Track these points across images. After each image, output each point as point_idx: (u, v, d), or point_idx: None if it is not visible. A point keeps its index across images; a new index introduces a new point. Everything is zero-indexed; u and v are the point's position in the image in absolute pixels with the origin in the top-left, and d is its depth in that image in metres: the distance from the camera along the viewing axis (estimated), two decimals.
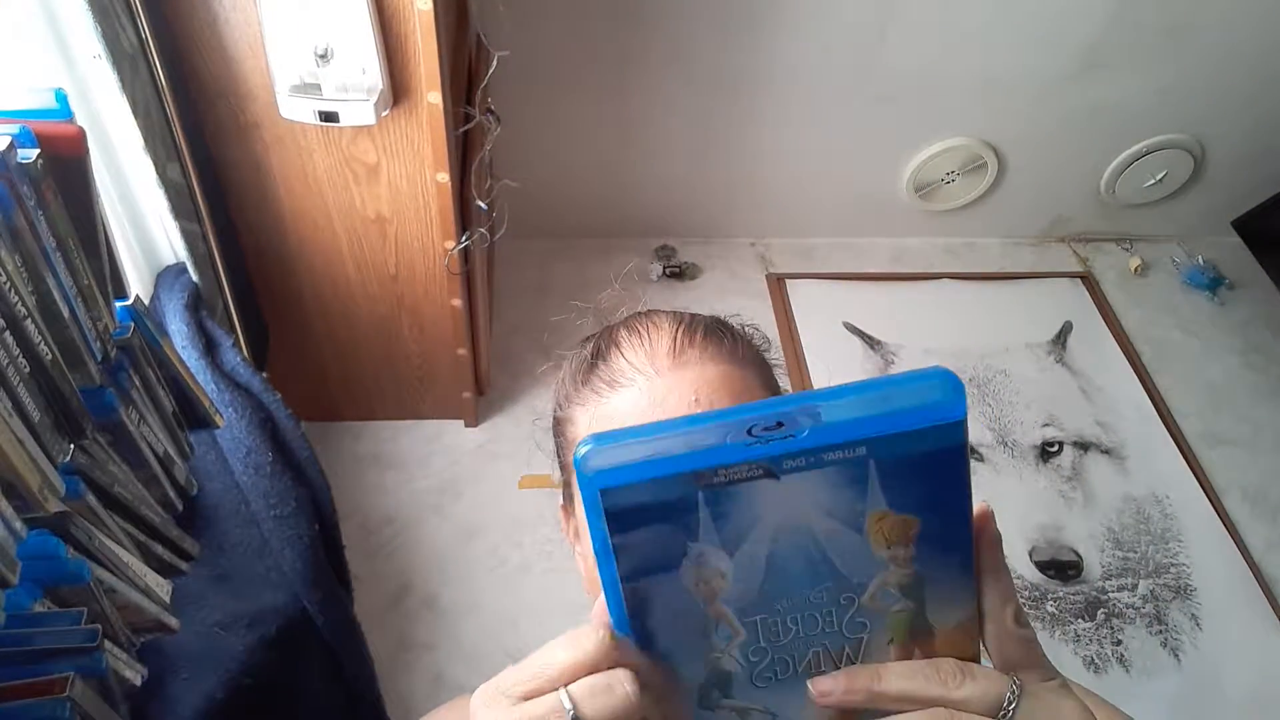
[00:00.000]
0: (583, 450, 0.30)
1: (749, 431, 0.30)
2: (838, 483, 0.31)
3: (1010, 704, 0.33)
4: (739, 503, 0.31)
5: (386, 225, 1.25)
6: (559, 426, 0.61)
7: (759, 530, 0.32)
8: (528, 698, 0.34)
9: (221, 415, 0.99)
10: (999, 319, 1.98)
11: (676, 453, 0.30)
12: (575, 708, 0.32)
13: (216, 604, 0.90)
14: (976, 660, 0.35)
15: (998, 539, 0.35)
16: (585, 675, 0.33)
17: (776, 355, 0.66)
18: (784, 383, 0.65)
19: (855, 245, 2.12)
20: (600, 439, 0.30)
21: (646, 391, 0.54)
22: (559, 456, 0.61)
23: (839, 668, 0.34)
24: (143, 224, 1.06)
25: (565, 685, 0.33)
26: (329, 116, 1.03)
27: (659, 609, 0.33)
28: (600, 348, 0.59)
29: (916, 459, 0.31)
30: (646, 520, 0.31)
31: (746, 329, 0.63)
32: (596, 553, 0.32)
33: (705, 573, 0.33)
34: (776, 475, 0.31)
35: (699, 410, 0.51)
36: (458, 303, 1.37)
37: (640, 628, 0.34)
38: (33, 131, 0.67)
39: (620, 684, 0.33)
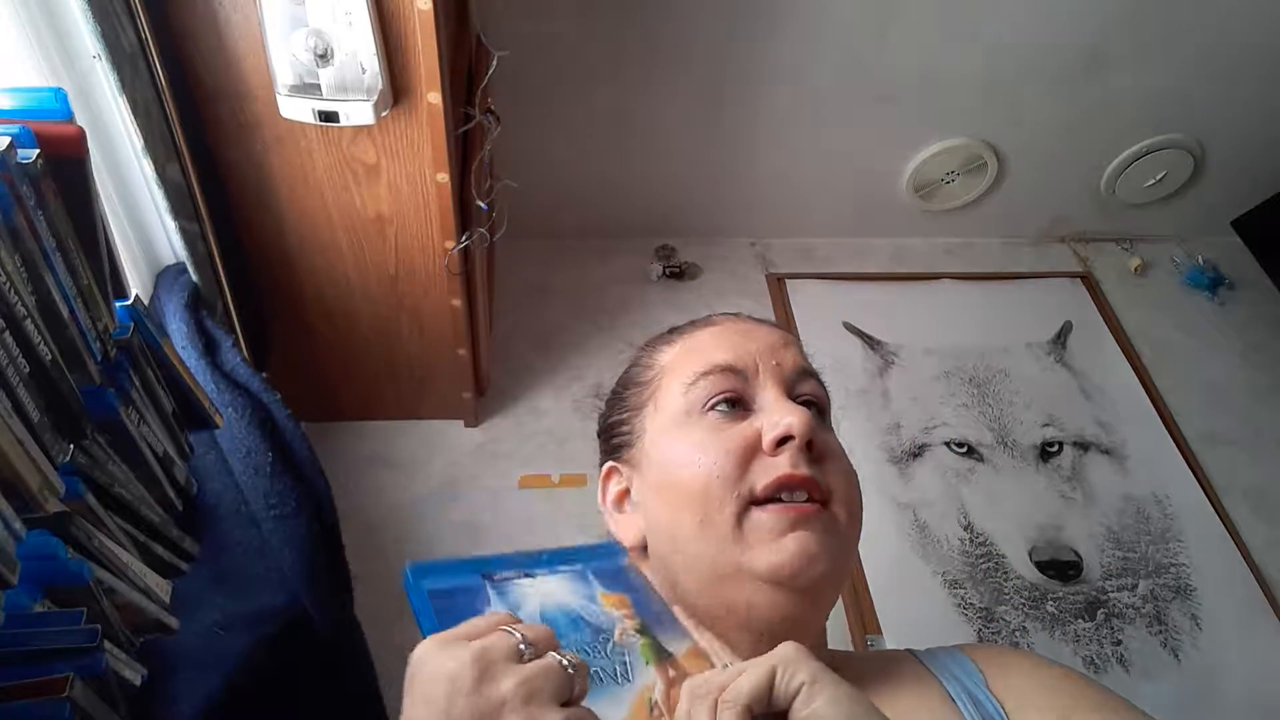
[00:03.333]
0: (409, 568, 0.46)
1: (512, 562, 0.49)
2: (572, 578, 0.50)
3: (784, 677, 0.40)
4: (510, 593, 0.48)
5: (386, 225, 1.25)
6: (637, 378, 0.66)
7: (527, 607, 0.47)
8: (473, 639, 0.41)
9: (221, 415, 0.99)
10: (999, 319, 1.98)
11: (470, 565, 0.48)
12: (521, 637, 0.41)
13: (216, 604, 0.90)
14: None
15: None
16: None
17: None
18: None
19: (855, 245, 2.12)
20: (419, 565, 0.47)
21: (732, 327, 0.63)
22: (618, 422, 0.67)
23: (618, 683, 0.46)
24: (143, 224, 1.06)
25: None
26: (329, 116, 1.03)
27: None
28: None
29: (612, 567, 0.53)
30: (453, 598, 0.46)
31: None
32: (423, 629, 0.44)
33: None
34: (533, 576, 0.49)
35: (787, 349, 0.63)
36: (458, 303, 1.37)
37: None
38: (33, 131, 0.67)
39: (549, 630, 0.43)
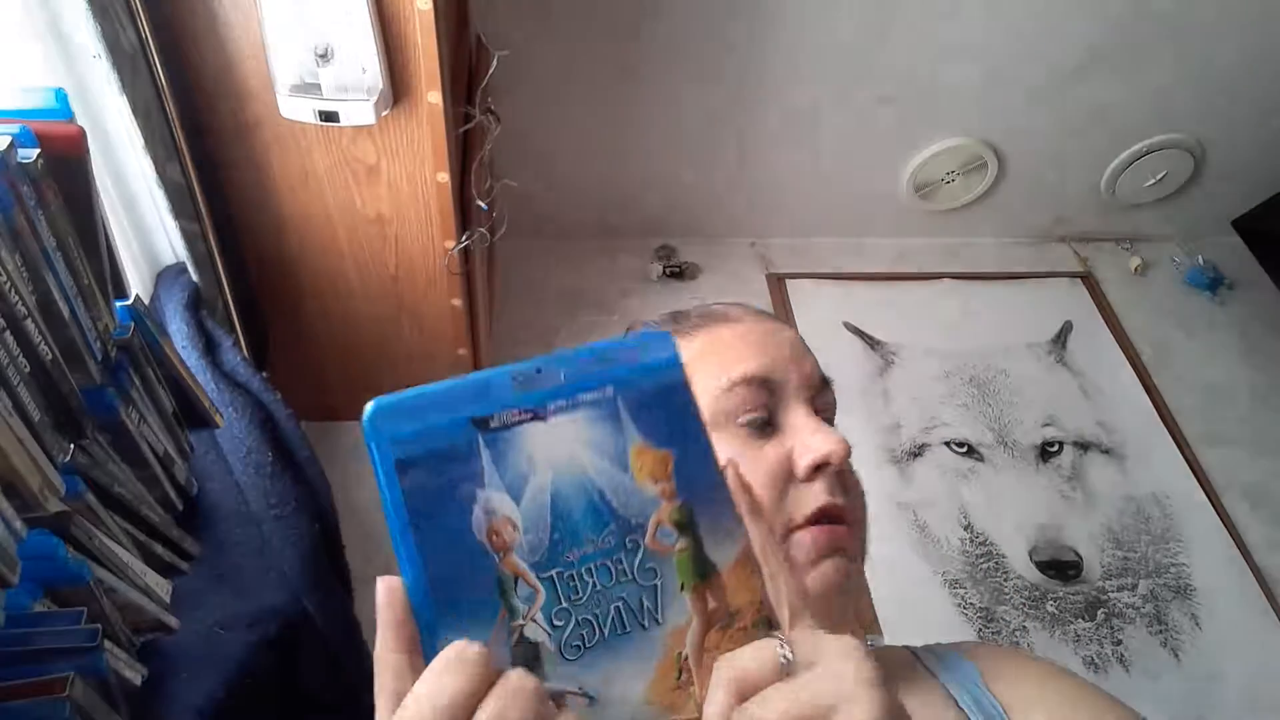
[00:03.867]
0: (369, 409, 0.33)
1: (514, 380, 0.35)
2: (596, 419, 0.35)
3: (786, 661, 0.33)
4: (515, 446, 0.34)
5: (386, 225, 1.25)
6: None
7: (539, 473, 0.34)
8: None
9: (221, 415, 0.99)
10: (999, 319, 1.98)
11: (454, 402, 0.34)
12: None
13: (216, 604, 0.90)
14: (763, 599, 0.37)
15: (746, 487, 0.37)
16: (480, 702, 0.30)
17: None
18: None
19: (855, 245, 2.12)
20: (384, 399, 0.33)
21: (759, 327, 0.59)
22: None
23: (644, 627, 0.35)
24: (143, 224, 1.06)
25: None
26: (329, 116, 1.03)
27: (455, 568, 0.33)
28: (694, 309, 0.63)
29: (654, 395, 0.37)
30: (434, 467, 0.33)
31: None
32: (387, 513, 0.32)
33: (496, 522, 0.34)
34: (544, 417, 0.35)
35: (807, 357, 0.59)
36: (458, 302, 1.37)
37: (439, 596, 0.33)
38: (33, 131, 0.67)
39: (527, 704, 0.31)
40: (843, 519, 0.53)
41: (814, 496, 0.52)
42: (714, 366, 0.56)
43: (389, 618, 0.33)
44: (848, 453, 0.53)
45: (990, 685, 0.54)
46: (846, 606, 0.55)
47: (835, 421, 0.62)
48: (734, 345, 0.58)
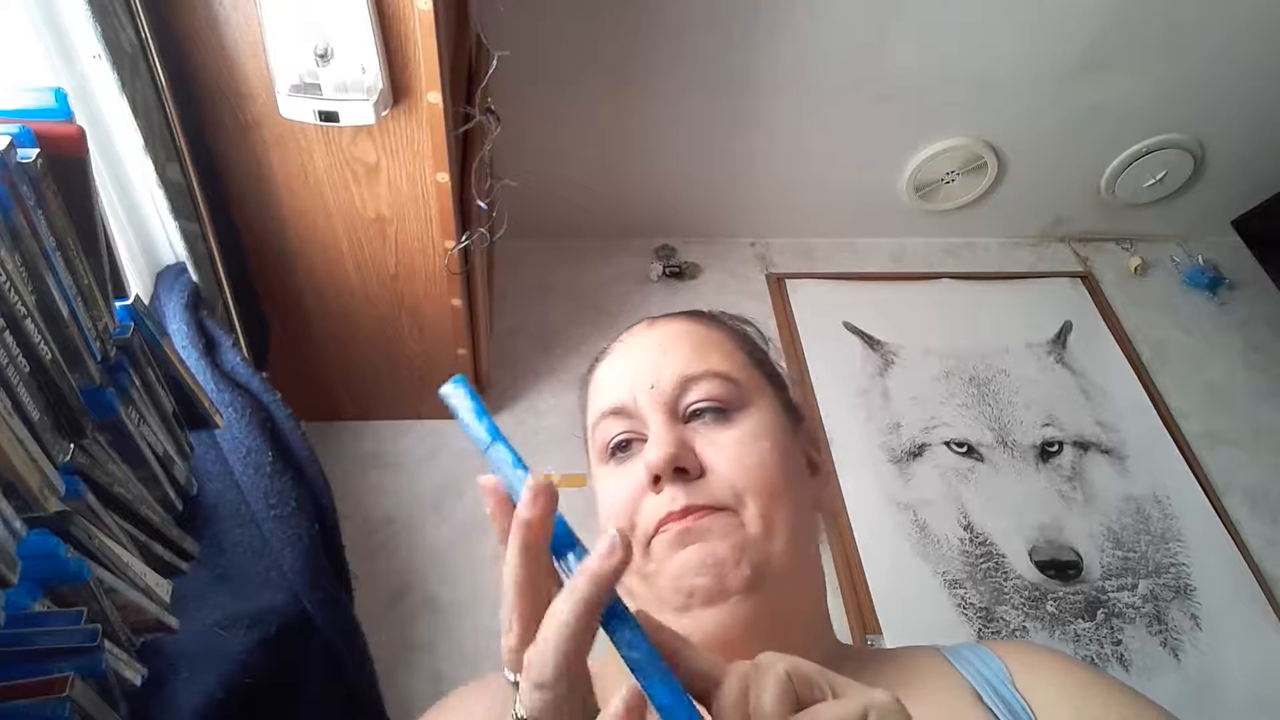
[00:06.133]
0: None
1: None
2: None
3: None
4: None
5: (386, 225, 1.25)
6: (581, 399, 0.68)
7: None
8: None
9: (221, 415, 0.99)
10: (999, 319, 1.98)
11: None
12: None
13: (216, 604, 0.90)
14: None
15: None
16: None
17: (777, 353, 0.69)
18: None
19: (855, 245, 2.12)
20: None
21: (622, 350, 0.64)
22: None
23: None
24: (143, 224, 1.06)
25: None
26: (329, 116, 1.03)
27: None
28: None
29: None
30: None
31: (740, 318, 0.71)
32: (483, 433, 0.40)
33: None
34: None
35: (665, 357, 0.61)
36: (458, 302, 1.37)
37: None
38: (32, 131, 0.67)
39: None
40: (698, 510, 0.54)
41: (658, 507, 0.55)
42: (591, 403, 0.63)
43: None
44: (670, 456, 0.54)
45: (1017, 683, 0.54)
46: (764, 588, 0.54)
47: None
48: (602, 380, 0.63)
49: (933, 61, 1.72)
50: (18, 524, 0.59)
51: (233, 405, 1.02)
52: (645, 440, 0.58)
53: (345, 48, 0.99)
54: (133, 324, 0.80)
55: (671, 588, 0.53)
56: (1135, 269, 2.12)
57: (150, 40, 0.95)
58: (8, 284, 0.61)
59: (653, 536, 0.54)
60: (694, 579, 0.52)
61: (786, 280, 2.01)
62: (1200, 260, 2.14)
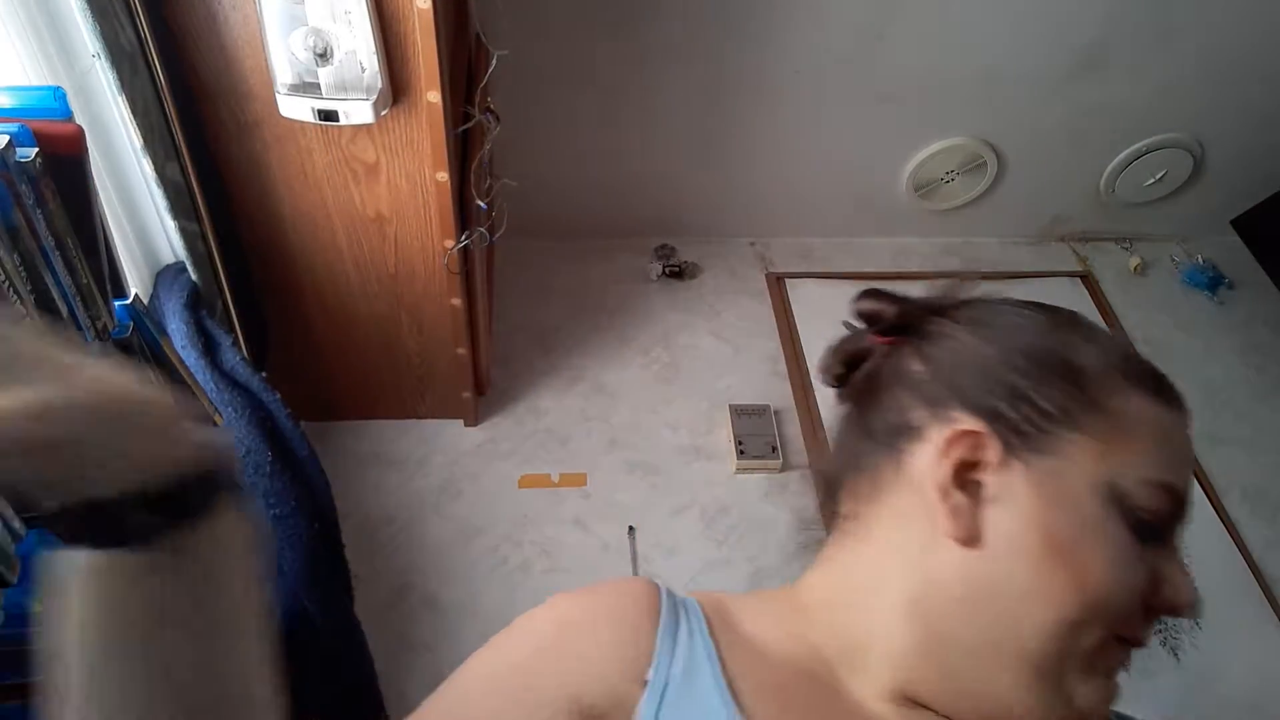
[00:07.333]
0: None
1: None
2: None
3: None
4: None
5: (386, 224, 1.25)
6: (1092, 387, 0.53)
7: None
8: None
9: (221, 415, 0.99)
10: None
11: None
12: None
13: None
14: None
15: None
16: None
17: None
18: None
19: (855, 245, 2.12)
20: None
21: (1183, 424, 0.55)
22: (1039, 399, 0.51)
23: None
24: (142, 223, 1.06)
25: None
26: (328, 115, 1.03)
27: None
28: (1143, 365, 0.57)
29: None
30: None
31: None
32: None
33: None
34: None
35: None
36: (457, 302, 1.37)
37: None
38: (32, 130, 0.66)
39: None
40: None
41: (1146, 627, 0.50)
42: (1153, 454, 0.52)
43: None
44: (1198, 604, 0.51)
45: None
46: None
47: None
48: (1177, 446, 0.54)
49: (933, 61, 1.72)
50: (17, 523, 0.59)
51: (232, 404, 1.02)
52: (1168, 547, 0.51)
53: (344, 47, 0.99)
54: (132, 323, 0.80)
55: (1087, 693, 0.48)
56: (1135, 268, 2.12)
57: (149, 39, 0.95)
58: (6, 283, 0.61)
59: (1105, 637, 0.48)
60: (1098, 709, 0.48)
61: (786, 280, 2.01)
62: (1200, 260, 2.14)
